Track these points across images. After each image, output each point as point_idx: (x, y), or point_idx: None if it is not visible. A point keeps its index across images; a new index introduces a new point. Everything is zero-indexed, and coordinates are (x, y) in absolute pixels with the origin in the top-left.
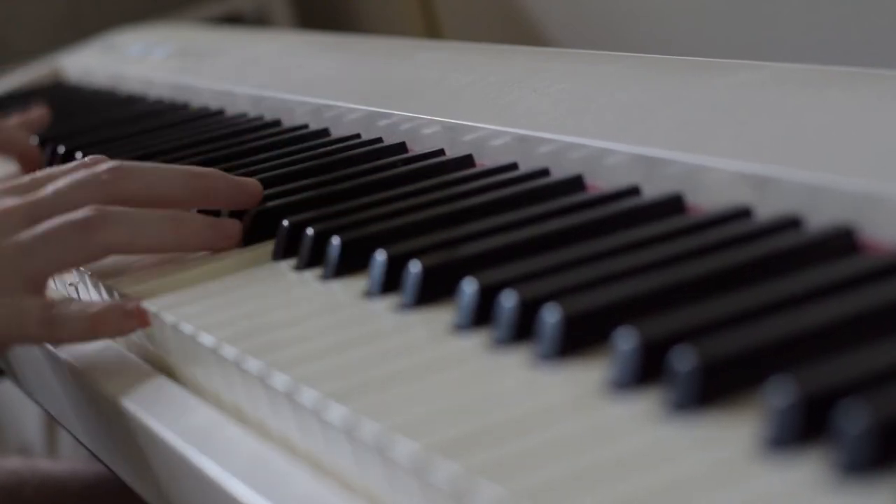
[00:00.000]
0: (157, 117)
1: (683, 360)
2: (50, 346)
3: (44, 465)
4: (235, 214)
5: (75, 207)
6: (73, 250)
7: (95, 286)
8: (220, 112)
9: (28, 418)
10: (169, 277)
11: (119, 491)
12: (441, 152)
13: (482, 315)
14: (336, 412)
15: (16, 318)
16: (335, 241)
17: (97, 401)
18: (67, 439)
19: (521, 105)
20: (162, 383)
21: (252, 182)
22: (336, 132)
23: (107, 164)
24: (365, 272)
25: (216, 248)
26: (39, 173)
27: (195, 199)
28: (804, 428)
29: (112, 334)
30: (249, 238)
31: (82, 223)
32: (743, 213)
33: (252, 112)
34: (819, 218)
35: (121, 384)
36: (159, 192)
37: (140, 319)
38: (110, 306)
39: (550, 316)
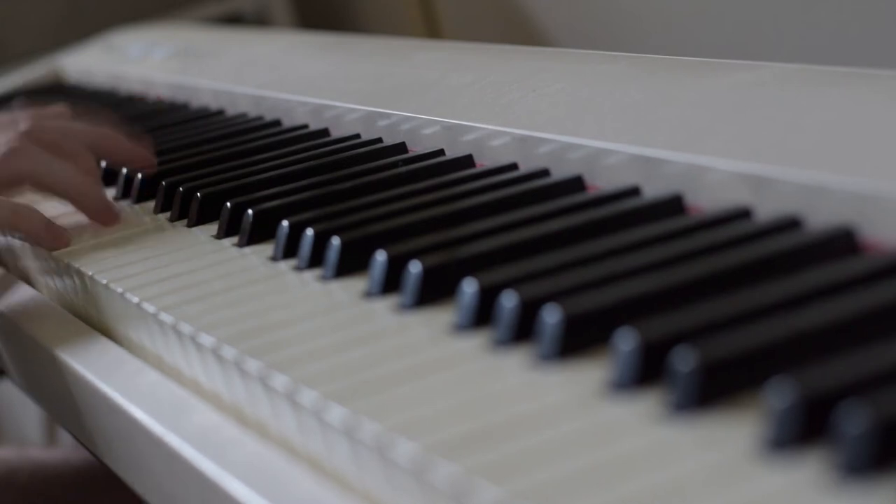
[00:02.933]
0: (157, 117)
1: (684, 360)
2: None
3: (36, 453)
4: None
5: None
6: None
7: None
8: (220, 112)
9: (28, 417)
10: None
11: (110, 477)
12: (441, 152)
13: (482, 315)
14: (336, 413)
15: None
16: (335, 241)
17: (94, 399)
18: (67, 439)
19: (521, 105)
20: (161, 382)
21: (146, 152)
22: (336, 132)
23: (26, 114)
24: (365, 273)
25: (97, 216)
26: None
27: (99, 150)
28: (804, 429)
29: (27, 235)
30: (250, 238)
31: (7, 150)
32: (743, 214)
33: (252, 112)
34: (819, 218)
35: (120, 383)
36: (71, 133)
37: (57, 241)
38: (35, 213)
39: (550, 316)
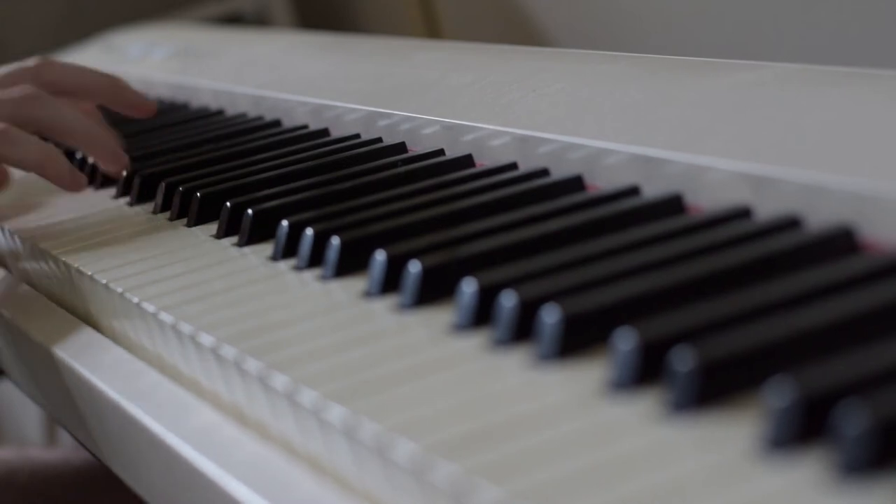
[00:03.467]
0: (158, 117)
1: (683, 360)
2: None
3: (36, 453)
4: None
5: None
6: (9, 112)
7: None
8: (220, 112)
9: (28, 417)
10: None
11: (110, 477)
12: (441, 152)
13: (482, 315)
14: (335, 413)
15: None
16: (335, 241)
17: (94, 399)
18: (67, 439)
19: (520, 105)
20: (162, 383)
21: (149, 101)
22: (336, 132)
23: (36, 58)
24: (365, 272)
25: (105, 162)
26: None
27: (106, 94)
28: (803, 428)
29: (54, 178)
30: (249, 237)
31: (21, 96)
32: (742, 213)
33: (252, 112)
34: (818, 218)
35: (120, 383)
36: (79, 80)
37: (78, 186)
38: (62, 157)
39: (550, 316)
